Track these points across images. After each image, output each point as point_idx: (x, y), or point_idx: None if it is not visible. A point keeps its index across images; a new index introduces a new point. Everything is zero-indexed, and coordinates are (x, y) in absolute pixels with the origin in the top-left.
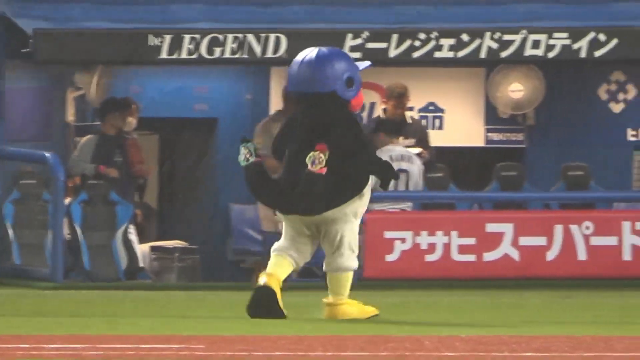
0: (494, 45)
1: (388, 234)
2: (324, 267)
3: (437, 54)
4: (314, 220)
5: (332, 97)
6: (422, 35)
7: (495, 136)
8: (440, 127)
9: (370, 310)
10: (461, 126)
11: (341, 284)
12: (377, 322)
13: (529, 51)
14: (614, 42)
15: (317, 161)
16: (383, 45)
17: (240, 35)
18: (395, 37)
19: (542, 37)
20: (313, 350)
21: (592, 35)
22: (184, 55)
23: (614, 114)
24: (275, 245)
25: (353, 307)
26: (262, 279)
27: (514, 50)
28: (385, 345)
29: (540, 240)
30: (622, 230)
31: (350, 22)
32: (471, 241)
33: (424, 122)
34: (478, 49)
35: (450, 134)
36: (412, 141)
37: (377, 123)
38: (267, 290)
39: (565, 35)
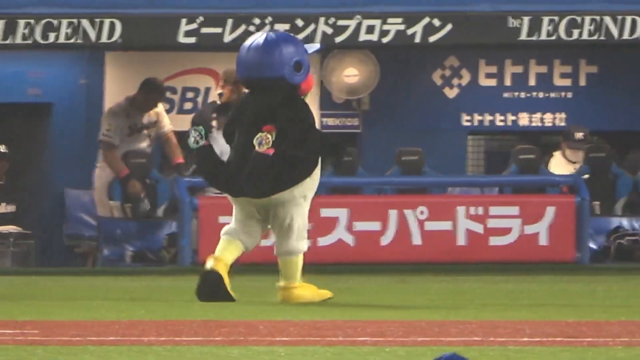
0: (329, 31)
1: (222, 219)
2: (274, 251)
3: None
4: (263, 202)
5: (280, 81)
6: (257, 21)
7: (331, 121)
8: None
9: (324, 293)
10: None
11: (292, 268)
12: (212, 307)
13: (363, 36)
14: (448, 27)
15: (264, 141)
16: (218, 30)
17: (74, 21)
18: (230, 22)
19: (376, 23)
20: (146, 335)
21: (426, 20)
22: (18, 40)
23: (448, 99)
24: (225, 228)
25: (307, 290)
26: (209, 263)
27: (349, 35)
28: (219, 330)
29: (375, 225)
30: (457, 215)
31: (185, 7)
32: None
33: None
34: (313, 34)
35: None
36: None
37: (213, 109)
38: (214, 275)
39: (399, 20)
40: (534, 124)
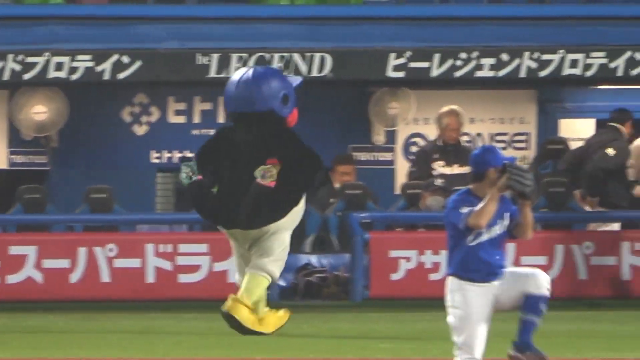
0: (17, 67)
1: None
2: (247, 268)
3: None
4: (253, 234)
5: (270, 115)
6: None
7: (19, 158)
8: None
9: (263, 327)
10: None
11: (255, 285)
12: None
13: (52, 73)
14: (138, 64)
15: (267, 174)
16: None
17: None
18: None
19: (65, 60)
20: None
21: (115, 57)
22: None
23: (137, 136)
24: (236, 269)
25: (250, 314)
26: (227, 305)
27: (37, 72)
28: None
29: (64, 263)
30: (146, 252)
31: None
32: None
33: None
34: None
35: None
36: None
37: None
38: (231, 319)
39: (88, 57)
40: None
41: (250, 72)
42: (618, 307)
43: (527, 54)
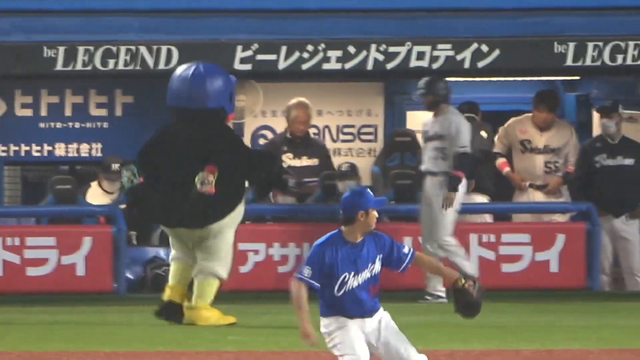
0: None
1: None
2: (192, 273)
3: None
4: (198, 232)
5: (218, 112)
6: None
7: None
8: None
9: (228, 318)
10: None
11: (207, 289)
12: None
13: None
14: None
15: (206, 181)
16: None
17: None
18: None
19: None
20: None
21: None
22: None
23: None
24: (172, 255)
25: (213, 313)
26: (166, 293)
27: None
28: None
29: None
30: None
31: None
32: None
33: None
34: None
35: None
36: None
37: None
38: (173, 305)
39: None
40: (70, 155)
41: (201, 68)
42: None
43: (374, 46)
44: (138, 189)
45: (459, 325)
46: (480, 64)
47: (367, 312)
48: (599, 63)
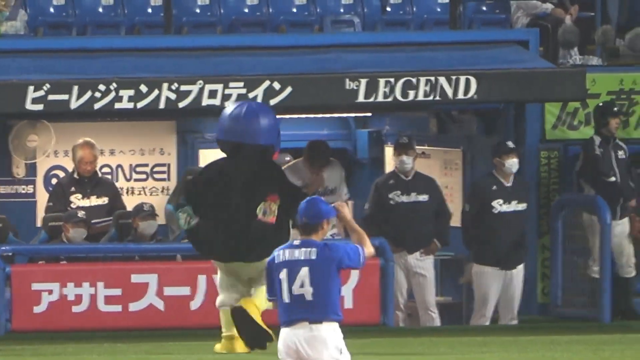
0: None
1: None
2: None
3: None
4: (255, 265)
5: (268, 149)
6: None
7: None
8: None
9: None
10: None
11: (262, 295)
12: None
13: None
14: None
15: (268, 211)
16: None
17: None
18: None
19: None
20: None
21: None
22: None
23: None
24: (219, 301)
25: (256, 309)
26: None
27: None
28: None
29: None
30: None
31: None
32: None
33: None
34: None
35: None
36: None
37: None
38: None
39: None
40: None
41: (253, 106)
42: None
43: (165, 85)
44: (194, 230)
45: None
46: (273, 102)
47: None
48: (390, 99)
